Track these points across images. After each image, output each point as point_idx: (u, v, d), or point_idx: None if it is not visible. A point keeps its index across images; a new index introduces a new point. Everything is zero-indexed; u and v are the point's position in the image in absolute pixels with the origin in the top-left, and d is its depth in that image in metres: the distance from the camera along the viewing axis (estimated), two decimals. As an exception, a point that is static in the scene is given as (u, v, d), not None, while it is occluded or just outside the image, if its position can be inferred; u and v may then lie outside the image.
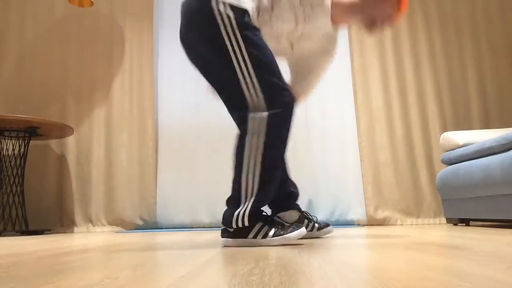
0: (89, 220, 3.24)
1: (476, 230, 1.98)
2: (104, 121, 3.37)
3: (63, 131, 3.00)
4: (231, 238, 1.39)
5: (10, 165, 2.92)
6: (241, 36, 1.39)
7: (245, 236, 1.37)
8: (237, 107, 1.43)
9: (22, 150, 2.99)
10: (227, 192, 3.45)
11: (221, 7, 1.39)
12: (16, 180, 2.93)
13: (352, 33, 3.36)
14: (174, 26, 3.53)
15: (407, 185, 3.15)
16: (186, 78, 3.43)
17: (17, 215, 2.89)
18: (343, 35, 3.44)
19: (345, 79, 3.37)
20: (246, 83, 1.39)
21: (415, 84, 3.31)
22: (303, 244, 1.36)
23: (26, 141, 2.99)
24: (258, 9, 1.49)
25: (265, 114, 1.38)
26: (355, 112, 3.28)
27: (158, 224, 3.25)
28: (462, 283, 0.58)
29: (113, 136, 3.34)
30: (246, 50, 1.38)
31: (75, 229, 3.21)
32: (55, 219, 3.24)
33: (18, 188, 2.93)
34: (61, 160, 3.33)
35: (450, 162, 2.60)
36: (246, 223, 1.36)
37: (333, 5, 1.51)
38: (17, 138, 2.98)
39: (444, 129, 3.24)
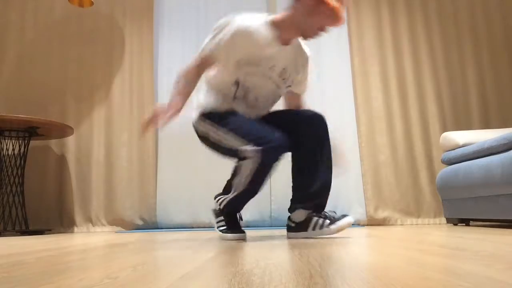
0: (89, 220, 3.24)
1: (476, 230, 1.98)
2: (104, 121, 3.37)
3: (63, 131, 3.00)
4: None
5: (10, 165, 2.92)
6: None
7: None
8: None
9: (22, 150, 2.99)
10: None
11: None
12: (16, 180, 2.92)
13: (352, 34, 3.36)
14: (174, 26, 3.52)
15: (407, 185, 3.15)
16: (186, 78, 3.43)
17: (17, 215, 2.89)
18: (343, 36, 3.44)
19: (345, 79, 3.37)
20: None
21: (415, 84, 3.31)
22: (303, 243, 1.37)
23: (26, 141, 2.99)
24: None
25: None
26: (355, 112, 3.28)
27: (158, 224, 3.24)
28: (462, 283, 0.58)
29: (113, 136, 3.34)
30: None
31: (75, 229, 3.21)
32: (55, 219, 3.24)
33: (18, 188, 2.92)
34: (61, 160, 3.33)
35: (450, 162, 2.60)
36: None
37: (276, 25, 1.68)
38: (17, 138, 2.98)
39: (444, 129, 3.24)
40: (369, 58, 3.34)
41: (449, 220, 2.68)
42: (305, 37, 1.68)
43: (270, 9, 3.50)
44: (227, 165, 3.25)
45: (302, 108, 1.89)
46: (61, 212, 3.26)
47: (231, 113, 1.73)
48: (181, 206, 3.24)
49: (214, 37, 1.67)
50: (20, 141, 2.99)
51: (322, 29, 1.64)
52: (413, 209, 3.12)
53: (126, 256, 1.11)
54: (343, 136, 3.28)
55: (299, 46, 1.80)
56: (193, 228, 3.20)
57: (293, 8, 1.65)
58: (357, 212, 3.16)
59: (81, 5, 3.21)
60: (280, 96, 1.88)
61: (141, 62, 3.42)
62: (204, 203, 3.23)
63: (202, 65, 1.72)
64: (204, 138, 1.81)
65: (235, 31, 1.61)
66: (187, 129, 3.37)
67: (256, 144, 1.57)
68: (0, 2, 3.54)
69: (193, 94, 1.77)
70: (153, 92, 3.37)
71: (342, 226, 1.67)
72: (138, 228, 3.20)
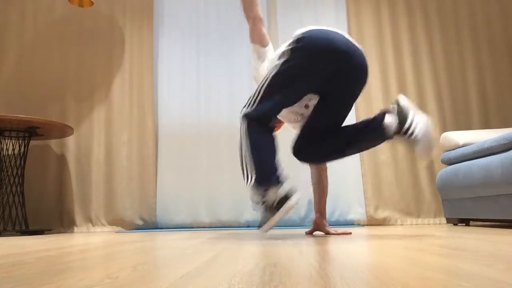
0: (89, 220, 3.24)
1: (476, 230, 1.98)
2: (104, 121, 3.37)
3: (63, 131, 3.00)
4: None
5: (10, 165, 2.92)
6: None
7: None
8: None
9: (22, 150, 2.99)
10: (227, 191, 3.43)
11: None
12: (16, 180, 2.92)
13: (352, 34, 3.36)
14: (174, 26, 3.52)
15: (407, 185, 3.15)
16: (186, 78, 3.43)
17: (17, 215, 2.89)
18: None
19: (345, 79, 3.37)
20: None
21: (415, 84, 3.31)
22: (304, 242, 1.37)
23: (26, 141, 2.99)
24: None
25: None
26: (355, 112, 3.28)
27: (158, 224, 3.24)
28: (462, 283, 0.58)
29: (113, 136, 3.34)
30: None
31: (75, 229, 3.21)
32: (55, 219, 3.24)
33: (18, 188, 2.92)
34: (61, 160, 3.33)
35: (450, 162, 2.60)
36: None
37: None
38: (17, 138, 2.98)
39: (444, 129, 3.24)
40: (369, 59, 3.33)
41: (449, 220, 2.68)
42: None
43: (270, 9, 3.50)
44: (227, 165, 3.26)
45: None
46: (61, 212, 3.26)
47: None
48: (181, 206, 3.24)
49: None
50: (20, 141, 2.99)
51: None
52: (413, 209, 3.12)
53: (126, 256, 1.11)
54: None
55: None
56: (193, 228, 3.19)
57: None
58: (357, 212, 3.16)
59: (81, 5, 3.21)
60: None
61: (141, 62, 3.42)
62: (204, 203, 3.23)
63: None
64: None
65: None
66: (187, 129, 3.37)
67: None
68: (0, 2, 3.54)
69: None
70: (153, 92, 3.37)
71: None
72: (138, 228, 3.20)
